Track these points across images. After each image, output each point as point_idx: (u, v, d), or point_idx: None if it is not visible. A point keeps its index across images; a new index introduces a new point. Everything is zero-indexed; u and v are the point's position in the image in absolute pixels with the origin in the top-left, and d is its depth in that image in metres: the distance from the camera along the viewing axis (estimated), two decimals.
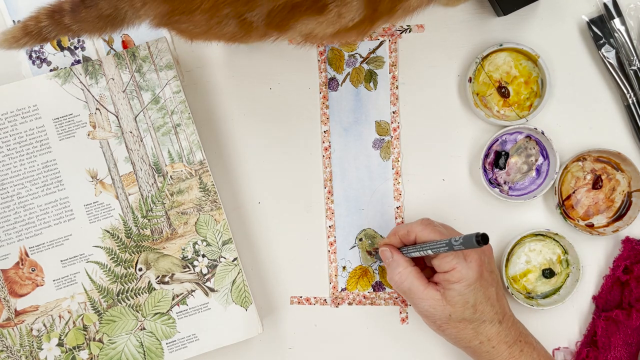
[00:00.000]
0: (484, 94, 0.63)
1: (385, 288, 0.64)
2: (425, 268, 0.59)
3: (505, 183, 0.63)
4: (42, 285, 0.61)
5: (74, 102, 0.62)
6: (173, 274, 0.62)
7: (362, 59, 0.64)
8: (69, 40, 0.65)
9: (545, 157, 0.62)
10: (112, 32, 0.48)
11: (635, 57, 0.61)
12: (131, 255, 0.61)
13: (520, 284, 0.63)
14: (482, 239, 0.47)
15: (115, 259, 0.61)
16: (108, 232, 0.62)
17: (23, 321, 0.61)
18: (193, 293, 0.61)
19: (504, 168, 0.62)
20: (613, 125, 0.63)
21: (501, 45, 0.61)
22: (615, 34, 0.61)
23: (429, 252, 0.54)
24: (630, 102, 0.61)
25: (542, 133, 0.60)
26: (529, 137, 0.62)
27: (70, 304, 0.61)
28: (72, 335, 0.61)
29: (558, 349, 0.63)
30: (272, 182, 0.65)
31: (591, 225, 0.62)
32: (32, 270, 0.61)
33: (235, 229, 0.65)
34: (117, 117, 0.62)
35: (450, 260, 0.53)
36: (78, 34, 0.47)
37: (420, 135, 0.64)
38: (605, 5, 0.61)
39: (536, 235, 0.62)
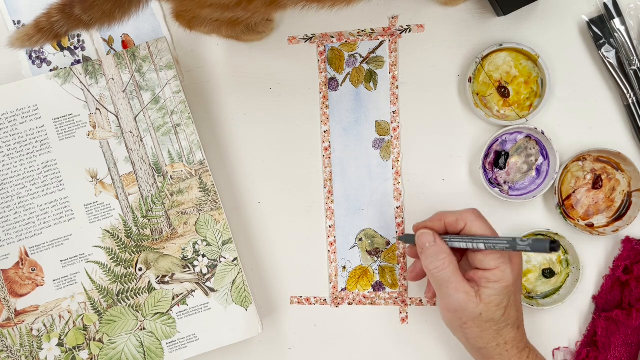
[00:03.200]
0: (484, 94, 0.63)
1: (385, 288, 0.64)
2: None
3: (505, 183, 0.63)
4: (42, 285, 0.61)
5: (74, 102, 0.62)
6: (173, 274, 0.62)
7: (362, 59, 0.64)
8: (69, 40, 0.65)
9: (545, 157, 0.62)
10: (122, 16, 0.47)
11: (635, 57, 0.61)
12: (131, 255, 0.61)
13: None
14: (557, 246, 0.47)
15: (115, 259, 0.61)
16: (108, 232, 0.62)
17: (23, 321, 0.61)
18: (193, 293, 0.61)
19: (504, 168, 0.62)
20: (613, 125, 0.63)
21: (501, 45, 0.61)
22: (615, 34, 0.61)
23: (481, 246, 0.51)
24: (630, 102, 0.61)
25: (542, 133, 0.60)
26: (529, 137, 0.62)
27: (70, 304, 0.61)
28: (72, 335, 0.61)
29: (558, 349, 0.63)
30: (272, 182, 0.65)
31: (591, 225, 0.62)
32: (32, 270, 0.61)
33: (235, 229, 0.65)
34: (117, 117, 0.62)
35: (496, 258, 0.52)
36: (89, 26, 0.47)
37: (420, 135, 0.64)
38: (605, 5, 0.61)
39: (536, 235, 0.62)
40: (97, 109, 0.62)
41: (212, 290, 0.61)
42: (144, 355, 0.61)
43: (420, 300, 0.63)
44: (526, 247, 0.48)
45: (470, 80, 0.62)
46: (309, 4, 0.50)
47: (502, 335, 0.53)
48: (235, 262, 0.61)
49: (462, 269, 0.54)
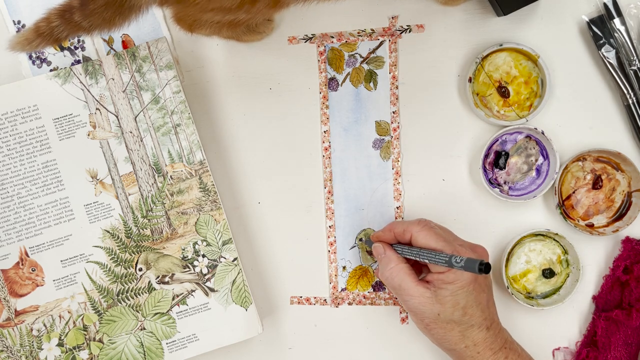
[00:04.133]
0: (484, 94, 0.63)
1: (385, 288, 0.64)
2: (415, 264, 0.59)
3: (505, 183, 0.63)
4: (42, 285, 0.61)
5: (74, 102, 0.62)
6: (173, 274, 0.62)
7: (362, 59, 0.64)
8: (69, 41, 0.65)
9: (545, 157, 0.62)
10: (122, 22, 0.48)
11: (635, 57, 0.61)
12: (131, 255, 0.61)
13: (520, 284, 0.63)
14: (485, 268, 0.47)
15: (115, 259, 0.61)
16: (108, 232, 0.62)
17: (23, 321, 0.61)
18: (193, 293, 0.61)
19: (504, 168, 0.62)
20: (613, 125, 0.63)
21: (501, 45, 0.61)
22: (615, 34, 0.61)
23: (425, 260, 0.54)
24: (630, 102, 0.61)
25: (542, 133, 0.60)
26: (529, 137, 0.62)
27: (70, 304, 0.61)
28: (72, 335, 0.61)
29: (558, 349, 0.63)
30: (272, 182, 0.65)
31: (591, 225, 0.62)
32: (32, 270, 0.61)
33: (235, 229, 0.65)
34: (117, 117, 0.62)
35: None
36: (89, 31, 0.48)
37: (420, 135, 0.64)
38: (605, 5, 0.61)
39: (536, 235, 0.62)
40: (97, 109, 0.62)
41: (212, 290, 0.61)
42: (144, 355, 0.61)
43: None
44: (460, 267, 0.50)
45: (470, 80, 0.62)
46: (309, 0, 0.50)
47: (468, 336, 0.53)
48: (235, 262, 0.61)
49: (418, 269, 0.57)
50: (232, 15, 0.50)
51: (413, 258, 0.55)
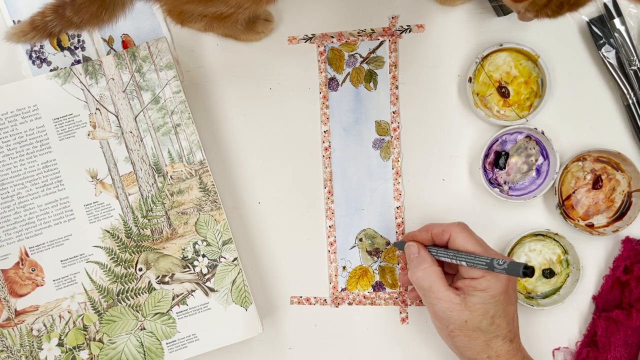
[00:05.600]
0: (484, 94, 0.63)
1: (385, 288, 0.64)
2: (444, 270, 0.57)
3: (505, 183, 0.63)
4: (42, 285, 0.61)
5: (74, 102, 0.62)
6: (173, 274, 0.62)
7: (362, 59, 0.64)
8: (69, 40, 0.65)
9: (545, 157, 0.62)
10: (109, 18, 0.49)
11: (635, 57, 0.61)
12: (131, 255, 0.61)
13: (520, 284, 0.63)
14: (530, 272, 0.47)
15: (115, 259, 0.61)
16: (108, 232, 0.62)
17: (23, 321, 0.61)
18: (193, 293, 0.61)
19: (504, 168, 0.62)
20: (613, 125, 0.63)
21: (501, 45, 0.61)
22: (615, 34, 0.61)
23: (463, 263, 0.52)
24: (630, 102, 0.61)
25: (542, 133, 0.60)
26: (529, 137, 0.62)
27: (70, 304, 0.61)
28: (72, 335, 0.61)
29: (558, 349, 0.63)
30: (272, 182, 0.65)
31: (591, 225, 0.62)
32: (32, 270, 0.61)
33: (235, 229, 0.65)
34: (117, 117, 0.62)
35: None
36: (80, 27, 0.50)
37: (420, 135, 0.64)
38: (605, 5, 0.61)
39: (536, 235, 0.62)
40: (97, 109, 0.62)
41: (212, 290, 0.61)
42: (144, 355, 0.61)
43: (421, 300, 0.63)
44: (502, 270, 0.49)
45: (470, 80, 0.62)
46: None
47: (492, 347, 0.52)
48: (235, 262, 0.61)
49: (456, 277, 0.55)
50: (213, 8, 0.50)
51: (448, 260, 0.54)
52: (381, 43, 0.64)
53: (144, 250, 0.61)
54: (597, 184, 0.62)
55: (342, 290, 0.65)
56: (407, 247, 0.57)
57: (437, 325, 0.55)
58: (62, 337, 0.61)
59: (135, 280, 0.61)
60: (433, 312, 0.54)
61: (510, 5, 0.48)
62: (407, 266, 0.57)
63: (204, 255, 0.62)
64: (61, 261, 0.61)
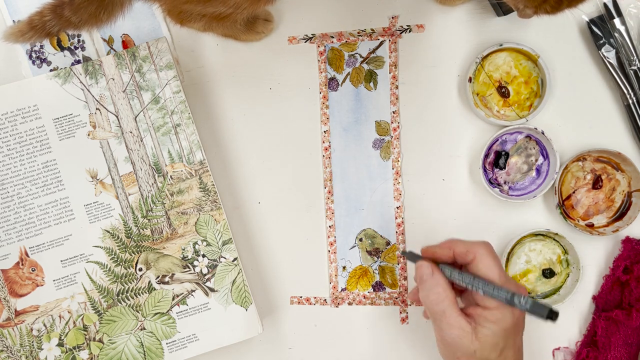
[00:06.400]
0: (484, 94, 0.63)
1: (385, 288, 0.64)
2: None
3: (505, 183, 0.63)
4: (42, 285, 0.61)
5: (74, 102, 0.62)
6: (173, 274, 0.62)
7: (362, 59, 0.64)
8: (69, 40, 0.65)
9: (545, 157, 0.62)
10: (108, 18, 0.49)
11: (635, 57, 0.61)
12: (131, 255, 0.61)
13: (521, 284, 0.63)
14: (555, 316, 0.45)
15: (115, 259, 0.61)
16: (108, 232, 0.62)
17: (23, 321, 0.61)
18: (193, 293, 0.61)
19: (504, 168, 0.62)
20: (613, 125, 0.63)
21: (501, 45, 0.61)
22: (615, 34, 0.61)
23: (479, 291, 0.50)
24: (630, 102, 0.61)
25: (542, 133, 0.60)
26: (529, 137, 0.62)
27: (70, 304, 0.61)
28: (72, 335, 0.61)
29: (558, 349, 0.63)
30: (272, 182, 0.65)
31: (591, 225, 0.62)
32: (32, 270, 0.61)
33: (235, 229, 0.65)
34: (117, 117, 0.62)
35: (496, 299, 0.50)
36: (79, 27, 0.49)
37: (420, 135, 0.64)
38: (605, 5, 0.61)
39: (536, 235, 0.62)
40: (97, 109, 0.62)
41: (212, 290, 0.61)
42: (144, 355, 0.61)
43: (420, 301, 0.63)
44: (524, 308, 0.47)
45: (470, 80, 0.62)
46: None
47: None
48: (235, 262, 0.61)
49: (466, 300, 0.54)
50: (212, 8, 0.50)
51: (464, 286, 0.51)
52: (381, 43, 0.64)
53: (144, 250, 0.61)
54: (597, 184, 0.62)
55: (342, 290, 0.65)
56: (420, 267, 0.53)
57: (443, 350, 0.53)
58: (62, 337, 0.61)
59: (135, 280, 0.61)
60: (441, 337, 0.52)
61: (509, 1, 0.48)
62: (418, 284, 0.53)
63: (204, 255, 0.62)
64: (61, 261, 0.61)
